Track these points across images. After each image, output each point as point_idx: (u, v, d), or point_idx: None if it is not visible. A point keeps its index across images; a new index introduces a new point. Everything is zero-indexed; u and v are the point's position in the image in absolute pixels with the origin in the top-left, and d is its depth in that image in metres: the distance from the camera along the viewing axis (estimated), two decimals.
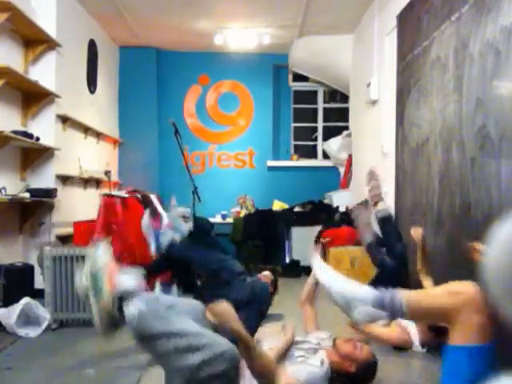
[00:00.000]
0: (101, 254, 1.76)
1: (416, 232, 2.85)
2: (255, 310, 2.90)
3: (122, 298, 1.66)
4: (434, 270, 2.78)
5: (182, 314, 1.64)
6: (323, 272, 1.89)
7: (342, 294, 1.70)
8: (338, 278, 1.81)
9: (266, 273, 3.46)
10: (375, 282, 3.05)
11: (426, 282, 2.75)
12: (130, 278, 1.71)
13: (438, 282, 2.85)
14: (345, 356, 1.93)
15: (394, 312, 1.59)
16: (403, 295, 1.59)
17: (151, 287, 3.87)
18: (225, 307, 1.67)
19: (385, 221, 3.05)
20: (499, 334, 1.47)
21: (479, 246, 1.87)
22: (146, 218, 2.57)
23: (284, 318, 3.44)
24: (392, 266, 2.85)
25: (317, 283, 2.51)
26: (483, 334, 1.44)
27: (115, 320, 1.67)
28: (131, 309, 1.59)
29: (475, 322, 1.43)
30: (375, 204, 3.09)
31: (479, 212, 2.38)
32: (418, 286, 2.69)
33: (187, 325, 1.60)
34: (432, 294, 1.65)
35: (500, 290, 1.01)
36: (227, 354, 1.53)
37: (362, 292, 1.67)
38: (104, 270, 1.72)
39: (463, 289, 1.50)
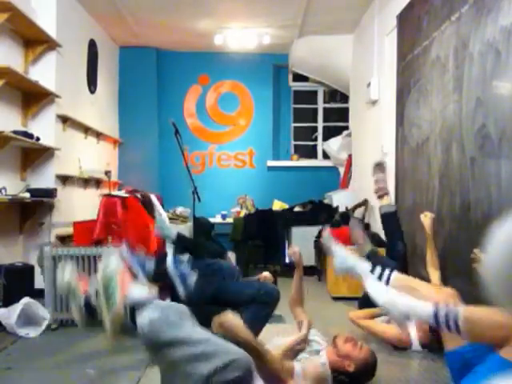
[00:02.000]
0: (114, 261, 1.75)
1: (426, 218, 2.65)
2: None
3: (134, 308, 1.63)
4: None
5: (193, 321, 1.59)
6: (376, 286, 1.74)
7: (398, 307, 1.58)
8: (393, 293, 1.66)
9: (266, 273, 3.45)
10: None
11: (434, 276, 2.62)
12: (142, 289, 1.68)
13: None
14: (344, 355, 1.92)
15: (449, 329, 1.45)
16: (462, 311, 1.45)
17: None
18: (231, 319, 1.62)
19: (388, 217, 2.87)
20: None
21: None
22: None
23: (283, 318, 3.43)
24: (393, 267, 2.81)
25: (301, 283, 2.47)
26: None
27: (126, 327, 1.66)
28: (142, 318, 1.56)
29: None
30: (380, 198, 2.95)
31: (479, 212, 2.38)
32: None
33: (198, 332, 1.55)
34: (489, 310, 1.45)
35: (500, 290, 1.01)
36: (239, 361, 1.48)
37: (419, 307, 1.53)
38: (117, 276, 1.70)
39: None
